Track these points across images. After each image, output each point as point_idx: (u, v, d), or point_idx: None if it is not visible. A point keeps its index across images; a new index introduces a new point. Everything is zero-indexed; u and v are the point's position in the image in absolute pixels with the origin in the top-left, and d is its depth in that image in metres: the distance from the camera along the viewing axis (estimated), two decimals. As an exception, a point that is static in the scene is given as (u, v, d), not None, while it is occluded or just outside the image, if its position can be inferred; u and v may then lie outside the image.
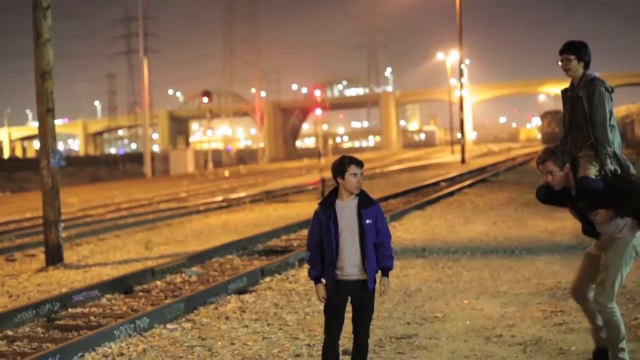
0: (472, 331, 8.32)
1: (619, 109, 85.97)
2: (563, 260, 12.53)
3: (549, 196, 6.52)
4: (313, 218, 6.11)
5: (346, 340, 6.99)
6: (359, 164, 5.99)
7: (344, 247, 5.98)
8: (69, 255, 15.89)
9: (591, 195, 6.25)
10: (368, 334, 6.19)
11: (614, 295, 6.37)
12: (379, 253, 6.01)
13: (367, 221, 5.97)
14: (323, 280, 6.07)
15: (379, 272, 6.06)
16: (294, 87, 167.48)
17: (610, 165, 6.38)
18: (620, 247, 6.32)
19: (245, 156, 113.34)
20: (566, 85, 6.89)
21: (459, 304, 9.71)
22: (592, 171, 6.36)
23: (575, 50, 6.66)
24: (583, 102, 6.53)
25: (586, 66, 6.68)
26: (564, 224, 16.87)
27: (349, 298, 6.09)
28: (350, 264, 5.98)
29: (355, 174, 5.95)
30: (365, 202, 6.02)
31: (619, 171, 6.38)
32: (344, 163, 5.98)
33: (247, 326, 9.06)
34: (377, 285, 6.05)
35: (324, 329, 6.19)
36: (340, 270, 6.00)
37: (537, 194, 6.64)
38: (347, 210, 6.00)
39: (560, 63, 6.71)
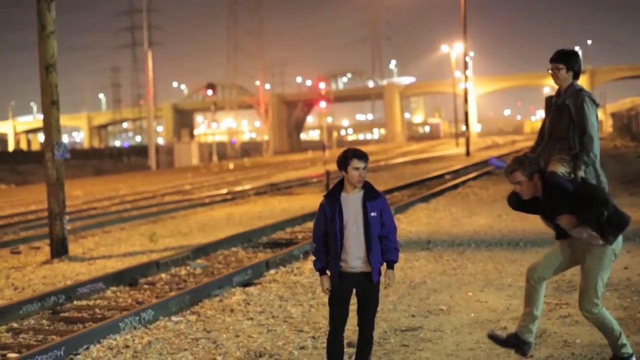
0: (477, 323, 8.31)
1: (624, 101, 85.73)
2: (568, 252, 12.50)
3: (520, 203, 6.46)
4: (318, 210, 6.11)
5: (351, 332, 6.99)
6: (362, 157, 5.95)
7: (348, 239, 5.97)
8: (73, 248, 15.92)
9: (556, 193, 6.19)
10: (373, 327, 6.19)
11: (599, 300, 6.32)
12: (384, 245, 6.00)
13: (372, 214, 5.96)
14: (328, 272, 6.07)
15: (384, 264, 6.06)
16: (298, 79, 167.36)
17: (582, 173, 6.47)
18: (600, 254, 6.26)
19: (250, 149, 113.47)
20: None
21: (464, 296, 9.71)
22: (561, 169, 6.43)
23: (566, 59, 6.70)
24: (569, 110, 6.57)
25: (575, 76, 6.73)
26: (568, 217, 16.85)
27: (354, 290, 6.10)
28: (354, 256, 5.98)
29: (357, 168, 5.93)
30: (370, 194, 6.01)
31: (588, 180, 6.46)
32: (347, 156, 5.97)
33: (251, 319, 9.07)
34: (382, 278, 6.05)
35: (329, 321, 6.19)
36: (345, 262, 6.00)
37: (509, 200, 6.59)
38: (352, 202, 6.00)
39: (549, 71, 6.74)
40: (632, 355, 6.42)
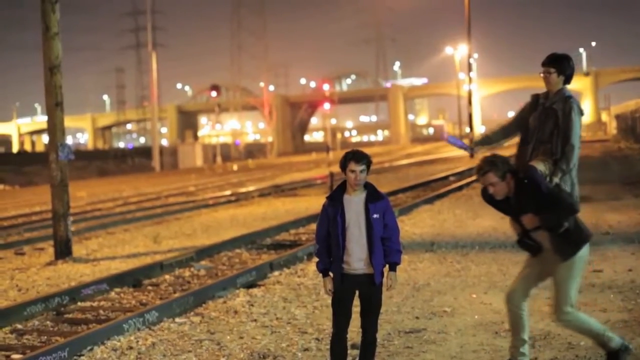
0: (481, 325, 8.31)
1: (629, 103, 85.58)
2: (572, 254, 12.48)
3: (493, 201, 6.41)
4: (321, 211, 6.12)
5: (355, 334, 6.99)
6: (359, 160, 5.92)
7: (350, 241, 5.97)
8: (77, 249, 15.92)
9: (529, 188, 6.16)
10: (376, 329, 6.18)
11: (572, 308, 6.27)
12: (386, 247, 6.00)
13: (375, 215, 5.96)
14: (330, 274, 6.07)
15: (387, 266, 6.05)
16: (302, 81, 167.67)
17: (557, 179, 6.50)
18: (570, 263, 6.22)
19: (254, 150, 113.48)
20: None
21: (468, 298, 9.70)
22: (541, 167, 6.44)
23: (557, 63, 6.70)
24: (556, 115, 6.55)
25: (567, 80, 6.72)
26: (572, 219, 16.83)
27: (357, 292, 6.10)
28: (356, 258, 5.98)
29: (353, 171, 5.92)
30: (373, 196, 6.01)
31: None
32: (346, 158, 5.97)
33: (255, 320, 9.07)
34: (384, 280, 6.04)
35: (332, 322, 6.19)
36: (347, 264, 6.00)
37: (483, 195, 6.51)
38: (354, 204, 6.00)
39: (541, 75, 6.73)
40: (623, 344, 6.40)
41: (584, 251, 6.34)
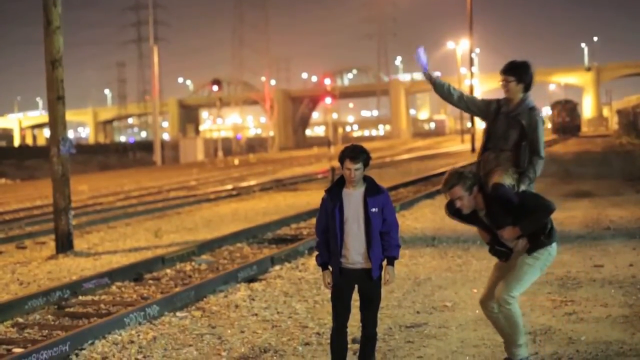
0: (482, 320, 8.29)
1: (630, 98, 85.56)
2: (572, 250, 12.51)
3: (458, 212, 6.36)
4: (320, 205, 6.13)
5: (356, 329, 7.00)
6: (354, 159, 5.93)
7: (349, 235, 5.98)
8: (79, 243, 15.93)
9: (501, 205, 6.13)
10: (376, 323, 6.19)
11: (517, 295, 6.23)
12: (384, 241, 6.00)
13: (373, 209, 5.96)
14: (330, 268, 6.08)
15: (385, 260, 6.06)
16: (304, 75, 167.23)
17: (524, 187, 6.51)
18: (537, 254, 6.20)
19: (255, 145, 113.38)
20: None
21: (469, 293, 9.70)
22: (507, 181, 6.43)
23: (516, 72, 6.72)
24: (521, 126, 6.58)
25: (526, 88, 6.73)
26: (573, 214, 16.85)
27: (356, 286, 6.10)
28: (355, 252, 5.98)
29: (349, 169, 5.93)
30: (372, 190, 6.01)
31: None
32: (343, 155, 5.98)
33: (256, 314, 9.08)
34: (382, 274, 6.05)
35: (332, 317, 6.20)
36: (345, 258, 6.01)
37: (448, 209, 6.47)
38: (353, 198, 6.00)
39: (500, 82, 6.74)
40: (527, 358, 6.37)
41: (554, 249, 6.30)
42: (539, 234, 6.19)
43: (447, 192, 6.24)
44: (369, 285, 6.05)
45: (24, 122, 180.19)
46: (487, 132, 6.79)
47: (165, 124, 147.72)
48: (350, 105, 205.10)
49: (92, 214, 22.44)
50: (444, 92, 6.89)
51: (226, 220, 19.39)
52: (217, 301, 9.91)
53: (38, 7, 15.20)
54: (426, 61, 6.90)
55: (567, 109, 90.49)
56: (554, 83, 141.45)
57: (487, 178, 6.44)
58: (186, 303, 9.76)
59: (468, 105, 6.97)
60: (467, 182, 6.15)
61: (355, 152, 5.95)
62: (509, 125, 6.64)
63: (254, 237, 15.81)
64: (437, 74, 7.11)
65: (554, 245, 6.30)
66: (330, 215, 6.01)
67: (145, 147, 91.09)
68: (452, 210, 6.39)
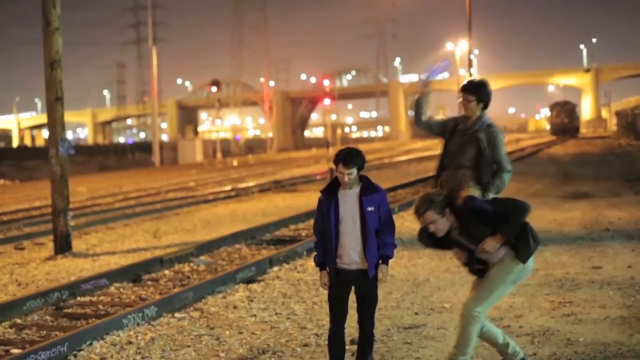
0: (480, 321, 8.29)
1: (629, 99, 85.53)
2: (571, 251, 12.51)
3: (434, 240, 6.30)
4: (317, 204, 6.13)
5: (354, 330, 6.99)
6: (347, 164, 5.91)
7: (344, 234, 5.98)
8: (77, 244, 15.92)
9: (477, 217, 6.09)
10: (373, 324, 6.19)
11: (482, 311, 6.17)
12: (380, 240, 5.99)
13: (369, 208, 5.96)
14: (327, 268, 6.09)
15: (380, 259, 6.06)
16: (303, 76, 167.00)
17: (492, 194, 6.61)
18: (510, 267, 6.14)
19: (254, 146, 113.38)
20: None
21: (467, 294, 9.68)
22: (476, 193, 6.51)
23: (477, 91, 6.79)
24: (479, 143, 6.65)
25: (485, 106, 6.80)
26: (572, 215, 16.85)
27: (353, 288, 6.10)
28: (351, 253, 5.98)
29: (342, 173, 5.94)
30: (367, 189, 6.01)
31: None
32: (337, 159, 5.98)
33: (255, 315, 9.08)
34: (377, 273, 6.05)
35: (329, 318, 6.20)
36: (341, 258, 6.01)
37: (420, 239, 6.43)
38: (349, 197, 6.00)
39: (459, 100, 6.78)
40: None
41: (530, 264, 6.25)
42: (525, 239, 6.15)
43: (420, 218, 6.20)
44: (366, 285, 6.05)
45: (22, 123, 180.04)
46: (444, 150, 6.84)
47: (164, 125, 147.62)
48: (349, 106, 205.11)
49: (90, 215, 22.43)
50: (420, 108, 7.01)
51: (225, 221, 19.39)
52: (215, 302, 9.90)
53: (37, 8, 15.19)
54: (436, 75, 6.99)
55: (566, 110, 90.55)
56: (553, 84, 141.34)
57: (453, 194, 6.41)
58: (184, 304, 9.76)
59: (430, 125, 7.06)
60: (439, 205, 6.12)
61: (348, 157, 5.94)
62: (466, 142, 6.72)
63: (253, 238, 15.81)
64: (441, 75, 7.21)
65: (531, 260, 6.24)
66: (325, 215, 6.02)
67: (144, 148, 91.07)
68: (425, 240, 6.36)
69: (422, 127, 7.12)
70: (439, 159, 6.89)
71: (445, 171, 6.83)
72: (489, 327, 6.36)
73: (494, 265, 6.21)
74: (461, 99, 6.81)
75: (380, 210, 6.00)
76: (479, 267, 6.29)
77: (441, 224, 6.15)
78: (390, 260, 6.11)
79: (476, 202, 6.23)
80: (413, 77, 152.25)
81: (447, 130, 6.91)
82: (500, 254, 6.15)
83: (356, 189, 6.01)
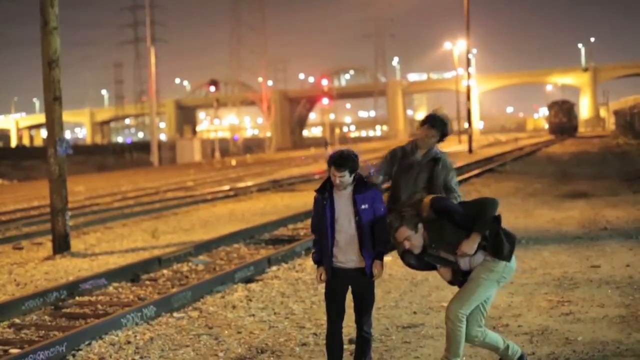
0: (479, 321, 8.30)
1: (627, 99, 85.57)
2: (570, 250, 12.51)
3: (420, 261, 6.28)
4: (314, 203, 6.15)
5: (352, 329, 6.99)
6: (340, 167, 5.94)
7: (340, 232, 6.00)
8: (76, 244, 15.92)
9: (449, 217, 6.07)
10: (370, 323, 6.20)
11: (466, 312, 6.14)
12: (375, 237, 6.01)
13: (363, 206, 5.98)
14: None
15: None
16: (301, 76, 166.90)
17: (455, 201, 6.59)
18: (492, 267, 6.11)
19: (252, 145, 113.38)
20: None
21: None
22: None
23: (440, 127, 6.76)
24: (431, 170, 6.64)
25: (441, 139, 6.80)
26: (570, 214, 16.86)
27: (350, 287, 6.12)
28: (346, 250, 6.00)
29: (334, 175, 5.96)
30: (360, 187, 6.04)
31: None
32: (331, 161, 5.99)
33: (253, 315, 9.08)
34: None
35: (327, 318, 6.22)
36: (336, 257, 6.03)
37: (404, 261, 6.39)
38: (343, 196, 6.04)
39: (419, 131, 6.78)
40: None
41: (512, 263, 6.23)
42: (502, 239, 6.14)
43: (394, 235, 6.17)
44: (362, 284, 6.06)
45: (20, 123, 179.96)
46: (395, 180, 6.74)
47: (162, 125, 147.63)
48: (348, 105, 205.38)
49: (89, 215, 22.42)
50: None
51: (223, 221, 19.39)
52: (214, 302, 9.90)
53: (35, 8, 15.18)
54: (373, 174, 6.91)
55: (564, 110, 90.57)
56: (551, 84, 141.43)
57: (418, 208, 6.37)
58: (183, 304, 9.76)
59: (386, 173, 6.94)
60: (410, 221, 6.12)
61: (341, 160, 5.95)
62: (421, 171, 6.68)
63: (251, 238, 15.81)
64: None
65: (513, 258, 6.24)
66: (321, 214, 6.04)
67: (143, 147, 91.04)
68: (409, 261, 6.33)
69: (387, 190, 7.06)
70: (391, 192, 6.81)
71: (398, 202, 6.75)
72: (489, 336, 6.35)
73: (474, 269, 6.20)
74: (422, 131, 6.77)
75: (375, 207, 6.02)
76: (464, 280, 6.25)
77: (415, 240, 6.13)
78: (389, 260, 6.12)
79: (445, 201, 6.22)
80: (413, 77, 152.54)
81: (396, 160, 6.84)
82: (479, 259, 6.14)
83: (349, 188, 6.04)
